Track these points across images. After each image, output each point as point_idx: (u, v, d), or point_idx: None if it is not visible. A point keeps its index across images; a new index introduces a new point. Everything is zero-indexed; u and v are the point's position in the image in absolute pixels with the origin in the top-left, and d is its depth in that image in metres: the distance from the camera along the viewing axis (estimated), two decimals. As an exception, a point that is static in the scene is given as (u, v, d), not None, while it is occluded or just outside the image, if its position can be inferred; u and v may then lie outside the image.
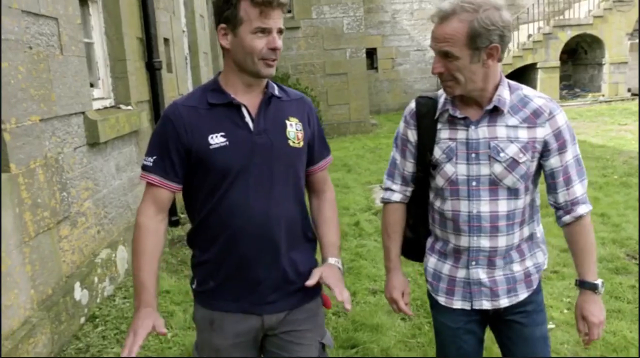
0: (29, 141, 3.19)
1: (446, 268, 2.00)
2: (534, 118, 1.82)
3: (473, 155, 1.85)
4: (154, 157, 1.74)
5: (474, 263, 1.93)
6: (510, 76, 15.73)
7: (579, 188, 1.88)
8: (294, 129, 1.81)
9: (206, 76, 9.07)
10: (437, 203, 1.97)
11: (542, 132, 1.82)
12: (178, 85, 7.08)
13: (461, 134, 1.87)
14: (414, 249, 2.12)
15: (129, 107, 5.09)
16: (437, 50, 1.75)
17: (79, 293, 3.65)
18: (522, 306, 1.96)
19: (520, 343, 1.98)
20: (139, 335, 1.59)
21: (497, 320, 2.00)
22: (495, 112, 1.83)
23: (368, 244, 5.05)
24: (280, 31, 1.69)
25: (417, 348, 3.25)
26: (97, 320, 3.75)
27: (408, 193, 2.07)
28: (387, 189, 2.10)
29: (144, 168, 1.76)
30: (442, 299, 2.01)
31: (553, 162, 1.86)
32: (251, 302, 1.78)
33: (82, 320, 3.70)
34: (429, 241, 2.08)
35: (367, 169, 8.59)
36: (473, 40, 1.69)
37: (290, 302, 1.83)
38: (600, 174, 7.43)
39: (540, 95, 1.88)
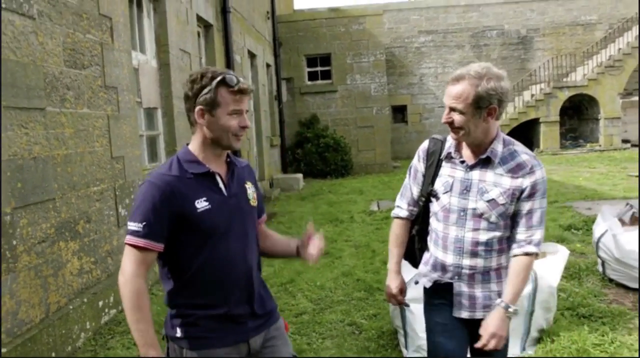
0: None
1: (435, 277, 2.30)
2: (517, 170, 2.12)
3: (465, 191, 2.16)
4: (144, 223, 1.85)
5: (456, 277, 2.21)
6: (517, 128, 18.72)
7: (538, 234, 2.14)
8: (251, 191, 2.11)
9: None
10: (434, 224, 2.29)
11: (522, 182, 2.11)
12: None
13: (458, 173, 2.19)
14: (410, 255, 2.47)
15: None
16: (448, 105, 2.09)
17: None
18: None
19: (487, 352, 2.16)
20: None
21: (473, 330, 2.21)
22: (487, 161, 2.14)
23: (354, 225, 8.69)
24: (246, 111, 1.96)
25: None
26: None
27: (414, 213, 2.38)
28: (397, 207, 2.43)
29: (135, 234, 1.85)
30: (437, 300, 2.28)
31: (521, 205, 2.13)
32: (239, 332, 2.01)
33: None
34: (425, 255, 2.37)
35: (374, 193, 11.91)
36: (476, 101, 2.02)
37: (267, 323, 2.11)
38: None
39: (527, 152, 2.17)
